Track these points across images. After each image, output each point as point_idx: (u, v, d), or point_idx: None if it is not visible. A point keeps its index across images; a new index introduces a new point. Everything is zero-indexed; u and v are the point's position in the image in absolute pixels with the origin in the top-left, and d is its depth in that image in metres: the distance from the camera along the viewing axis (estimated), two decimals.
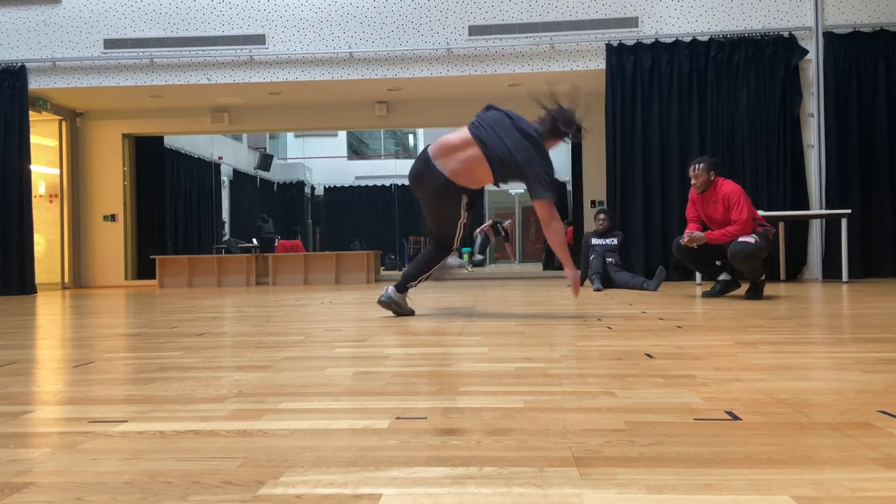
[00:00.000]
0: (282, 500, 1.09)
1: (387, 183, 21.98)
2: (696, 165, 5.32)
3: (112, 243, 10.60)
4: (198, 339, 3.33)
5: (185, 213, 14.11)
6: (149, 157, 11.32)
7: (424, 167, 4.07)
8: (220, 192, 16.56)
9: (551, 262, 12.40)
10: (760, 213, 7.38)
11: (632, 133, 8.28)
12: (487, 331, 3.37)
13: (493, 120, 4.09)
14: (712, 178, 5.27)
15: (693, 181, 5.33)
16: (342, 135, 22.33)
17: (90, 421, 1.65)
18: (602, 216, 7.36)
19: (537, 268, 14.21)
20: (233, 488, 1.14)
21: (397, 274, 13.01)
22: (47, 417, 1.71)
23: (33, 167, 9.35)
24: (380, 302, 4.19)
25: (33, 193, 9.52)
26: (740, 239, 5.00)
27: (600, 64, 8.36)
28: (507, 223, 15.07)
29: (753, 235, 5.03)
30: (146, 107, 10.39)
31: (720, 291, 5.35)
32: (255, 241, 15.64)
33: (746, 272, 5.06)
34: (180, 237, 13.78)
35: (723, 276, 5.37)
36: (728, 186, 5.21)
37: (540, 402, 1.75)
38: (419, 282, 4.23)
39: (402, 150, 23.23)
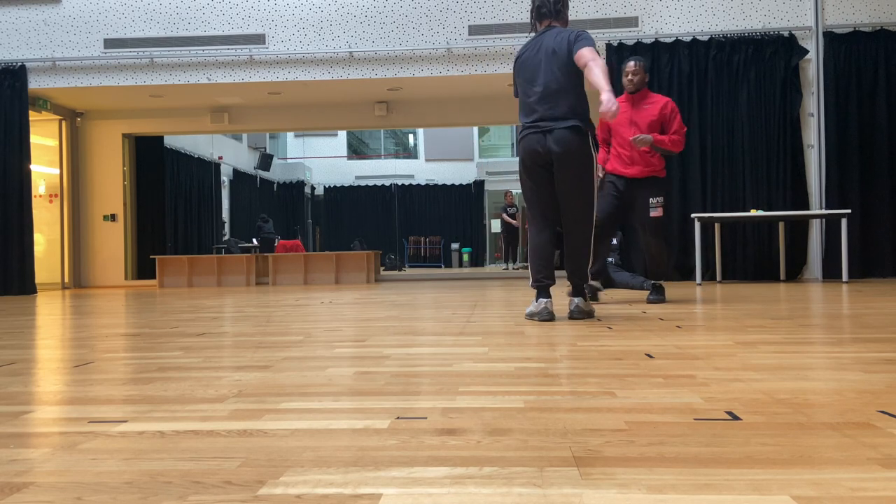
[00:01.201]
0: (282, 500, 1.09)
1: (387, 183, 21.98)
2: (637, 62, 4.91)
3: (112, 243, 10.60)
4: (198, 339, 3.33)
5: (185, 213, 14.11)
6: (149, 157, 11.32)
7: None
8: (220, 192, 16.56)
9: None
10: (760, 212, 7.42)
11: None
12: (487, 331, 3.37)
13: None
14: (646, 80, 4.96)
15: (631, 78, 4.90)
16: (342, 135, 22.33)
17: (90, 421, 1.65)
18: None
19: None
20: (233, 488, 1.14)
21: (398, 274, 13.06)
22: (47, 417, 1.71)
23: (33, 167, 9.35)
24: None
25: (33, 193, 9.52)
26: (651, 213, 4.84)
27: None
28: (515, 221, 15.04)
29: (662, 201, 4.86)
30: (146, 107, 10.39)
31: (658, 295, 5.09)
32: (255, 241, 15.65)
33: (655, 249, 4.86)
34: (180, 237, 13.78)
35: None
36: (663, 97, 4.97)
37: (540, 402, 1.75)
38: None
39: (402, 150, 23.23)
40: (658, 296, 4.97)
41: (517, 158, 4.02)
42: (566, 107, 3.74)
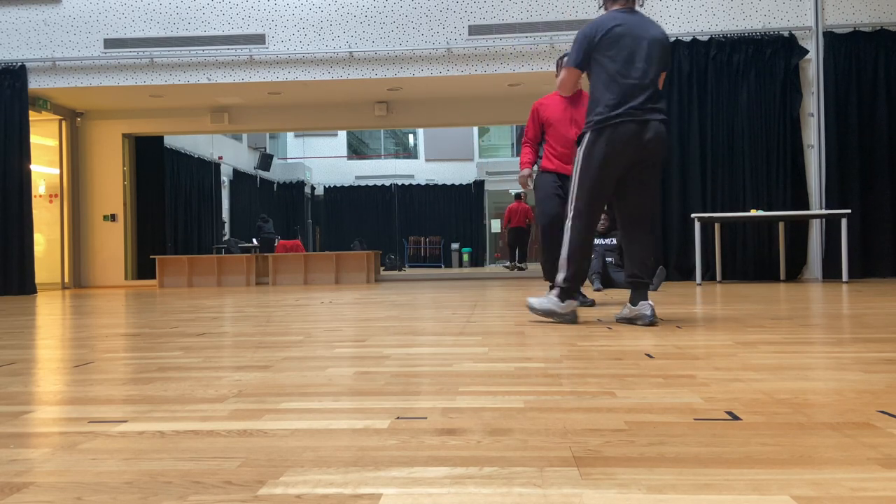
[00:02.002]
0: (282, 500, 1.09)
1: (387, 183, 21.99)
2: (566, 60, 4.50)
3: (112, 243, 10.60)
4: (198, 339, 3.33)
5: (185, 213, 14.11)
6: (149, 157, 11.32)
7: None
8: (220, 192, 16.56)
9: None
10: (760, 212, 7.41)
11: None
12: (487, 331, 3.37)
13: None
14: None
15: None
16: (342, 135, 22.33)
17: (90, 421, 1.65)
18: (602, 216, 7.36)
19: (535, 267, 14.21)
20: (233, 488, 1.14)
21: (397, 274, 13.05)
22: (47, 417, 1.71)
23: (33, 167, 9.35)
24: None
25: (33, 193, 9.52)
26: None
27: None
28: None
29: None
30: (146, 107, 10.40)
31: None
32: (255, 241, 15.65)
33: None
34: (180, 237, 13.78)
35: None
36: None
37: (540, 402, 1.75)
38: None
39: (402, 150, 23.23)
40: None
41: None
42: (660, 99, 3.57)
